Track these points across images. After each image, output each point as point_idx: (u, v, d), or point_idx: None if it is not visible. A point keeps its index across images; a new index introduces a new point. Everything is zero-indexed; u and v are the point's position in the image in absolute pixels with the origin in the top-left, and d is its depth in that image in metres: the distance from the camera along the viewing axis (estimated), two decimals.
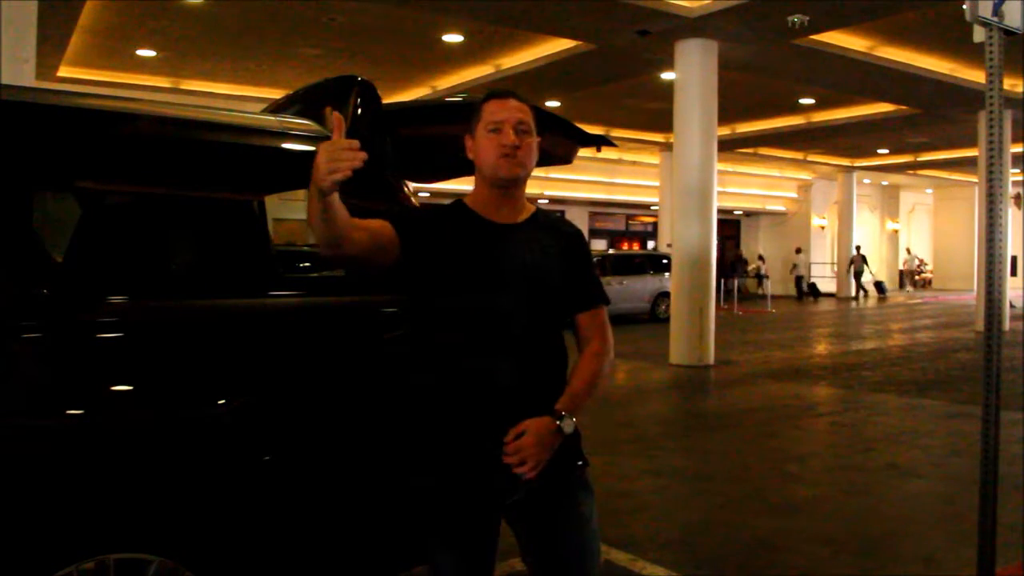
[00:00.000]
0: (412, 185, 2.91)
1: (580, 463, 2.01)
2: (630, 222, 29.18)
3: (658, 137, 19.02)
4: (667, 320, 16.17)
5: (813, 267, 27.99)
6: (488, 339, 1.90)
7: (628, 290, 16.65)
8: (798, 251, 26.54)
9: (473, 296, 1.90)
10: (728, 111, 13.36)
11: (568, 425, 1.90)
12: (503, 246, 1.93)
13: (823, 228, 28.60)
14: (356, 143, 1.64)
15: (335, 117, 1.70)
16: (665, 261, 17.28)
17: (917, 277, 32.52)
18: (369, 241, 1.82)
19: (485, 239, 1.93)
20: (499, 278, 1.91)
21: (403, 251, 1.89)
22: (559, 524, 1.96)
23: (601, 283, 2.11)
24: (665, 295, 16.82)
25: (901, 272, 30.39)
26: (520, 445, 1.82)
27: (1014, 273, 23.83)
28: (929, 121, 16.48)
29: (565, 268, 1.99)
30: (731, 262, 25.82)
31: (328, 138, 2.58)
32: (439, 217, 1.98)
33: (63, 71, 12.39)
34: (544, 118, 2.74)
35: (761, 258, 26.21)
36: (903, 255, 31.23)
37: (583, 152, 3.41)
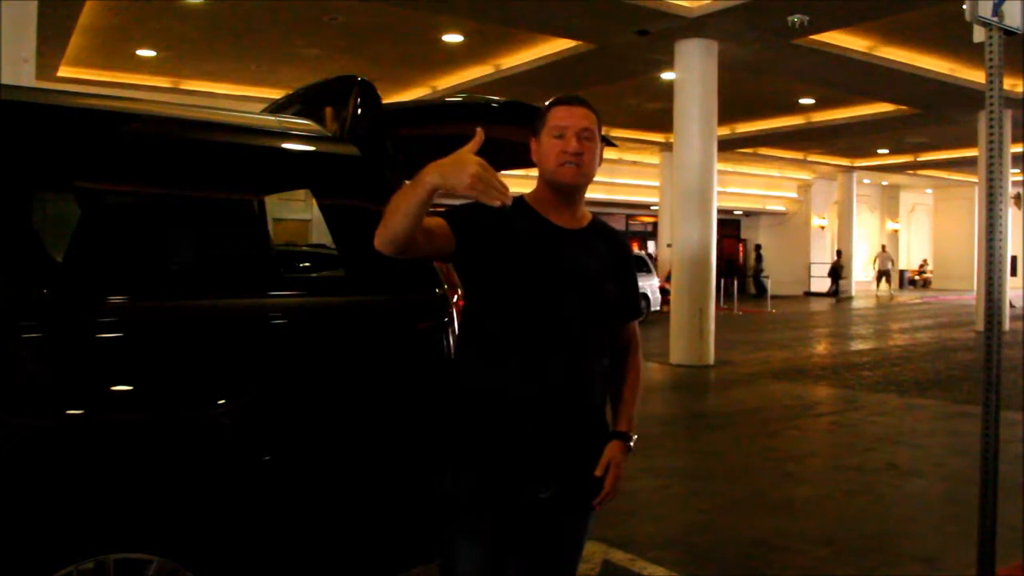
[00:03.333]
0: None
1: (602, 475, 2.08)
2: (630, 222, 29.17)
3: (658, 137, 19.01)
4: (643, 322, 16.00)
5: (813, 267, 28.02)
6: (543, 341, 1.93)
7: None
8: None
9: (533, 298, 1.93)
10: (728, 111, 13.34)
11: (634, 443, 2.10)
12: (565, 252, 1.98)
13: (823, 228, 28.60)
14: (508, 194, 1.71)
15: (479, 133, 1.74)
16: (644, 262, 17.03)
17: (918, 278, 32.38)
18: (425, 244, 1.84)
19: (549, 243, 1.97)
20: (560, 284, 1.95)
21: (460, 248, 1.91)
22: (565, 526, 2.02)
23: (639, 297, 2.18)
24: (643, 297, 16.71)
25: (895, 272, 28.58)
26: (613, 480, 2.00)
27: (1014, 273, 23.81)
28: (929, 121, 16.47)
29: (617, 279, 2.06)
30: (837, 265, 26.12)
31: (329, 139, 2.60)
32: (502, 210, 1.97)
33: (63, 71, 12.38)
34: None
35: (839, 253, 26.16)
36: (876, 251, 28.76)
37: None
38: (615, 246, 2.11)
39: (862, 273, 28.93)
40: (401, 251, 1.80)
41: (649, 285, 16.79)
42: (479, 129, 1.75)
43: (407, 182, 1.78)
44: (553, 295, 1.93)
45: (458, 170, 1.67)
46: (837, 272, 26.26)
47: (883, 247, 27.90)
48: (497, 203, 1.68)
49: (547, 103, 2.03)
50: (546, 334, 1.93)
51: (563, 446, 1.96)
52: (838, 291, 25.75)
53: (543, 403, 1.92)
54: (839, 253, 26.43)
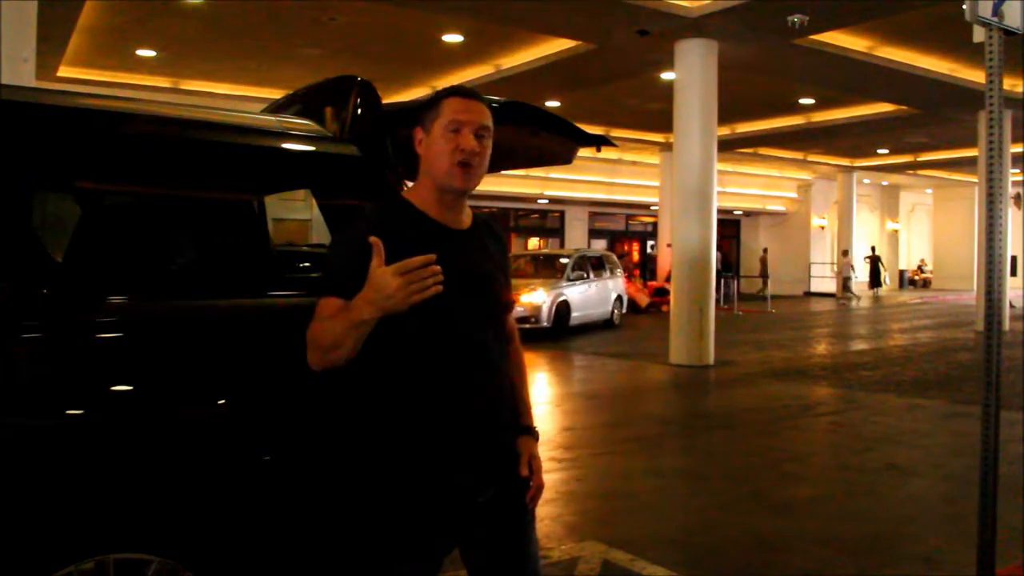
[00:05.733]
0: (412, 185, 2.90)
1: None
2: (630, 222, 29.18)
3: (658, 137, 19.03)
4: (617, 325, 15.85)
5: (813, 267, 28.02)
6: (458, 346, 1.87)
7: (597, 294, 15.39)
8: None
9: (439, 305, 1.77)
10: (728, 111, 13.35)
11: (537, 433, 2.09)
12: (462, 255, 1.88)
13: (823, 228, 28.60)
14: (431, 257, 1.67)
15: (376, 243, 1.69)
16: (611, 262, 16.64)
17: (918, 278, 32.31)
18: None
19: (444, 247, 1.81)
20: (462, 287, 1.83)
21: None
22: (508, 529, 1.98)
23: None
24: (620, 299, 16.41)
25: (844, 279, 25.56)
26: (540, 475, 1.99)
27: (1014, 273, 23.80)
28: (929, 121, 16.49)
29: (504, 274, 2.03)
30: (875, 258, 26.11)
31: (329, 139, 2.60)
32: (394, 223, 1.84)
33: (63, 71, 12.39)
34: (544, 118, 2.74)
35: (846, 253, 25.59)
36: (837, 256, 26.48)
37: (583, 152, 3.40)
38: (498, 241, 2.05)
39: (861, 274, 28.97)
40: (336, 365, 1.79)
41: (615, 285, 16.30)
42: (376, 241, 1.69)
43: (339, 317, 1.73)
44: (457, 299, 1.82)
45: (385, 295, 1.65)
46: (877, 267, 26.19)
47: (844, 252, 26.02)
48: (434, 291, 1.67)
49: (439, 93, 1.90)
50: (458, 339, 1.86)
51: (490, 448, 1.92)
52: (879, 284, 25.43)
53: (466, 408, 1.87)
54: (873, 248, 26.29)
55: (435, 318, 1.81)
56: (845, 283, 24.89)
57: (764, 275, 25.11)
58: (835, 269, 26.80)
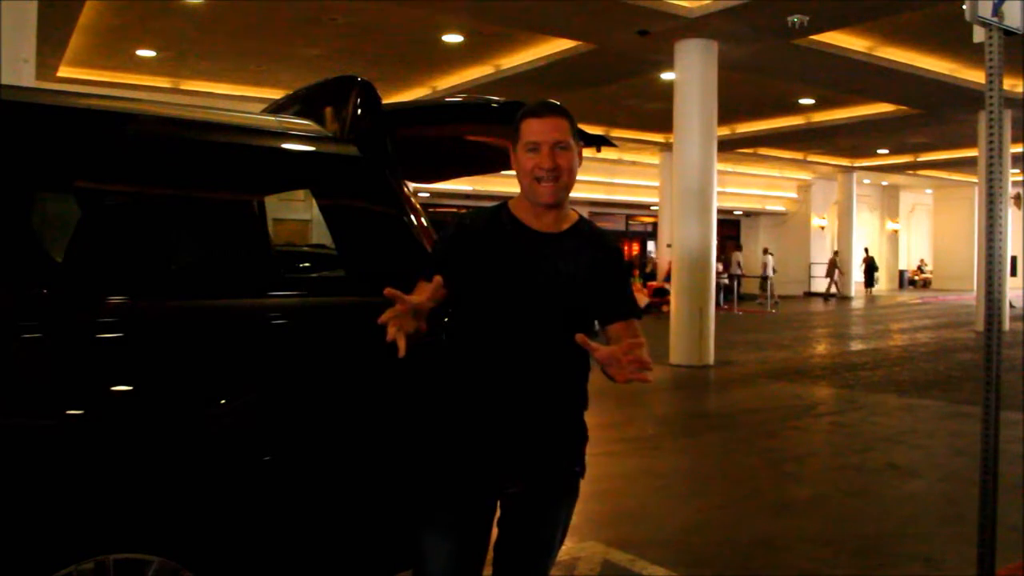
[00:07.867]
0: (412, 185, 2.91)
1: (577, 469, 2.12)
2: (630, 222, 29.16)
3: (658, 137, 19.02)
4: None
5: (813, 267, 28.02)
6: (512, 341, 1.97)
7: None
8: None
9: (500, 301, 1.97)
10: (728, 111, 13.35)
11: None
12: (538, 254, 1.99)
13: (823, 228, 28.60)
14: (401, 309, 1.81)
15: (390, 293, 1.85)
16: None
17: (918, 278, 32.36)
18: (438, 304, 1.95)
19: (522, 247, 1.99)
20: (527, 287, 1.97)
21: (444, 275, 1.95)
22: (535, 520, 2.06)
23: (635, 299, 2.16)
24: None
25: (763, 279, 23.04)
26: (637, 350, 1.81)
27: (1014, 273, 23.79)
28: (929, 121, 16.47)
29: (597, 280, 2.03)
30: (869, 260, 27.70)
31: (329, 139, 2.60)
32: (479, 224, 2.05)
33: (63, 71, 12.38)
34: None
35: (767, 251, 25.06)
36: (761, 258, 24.35)
37: (583, 152, 3.40)
38: (599, 248, 2.08)
39: (858, 273, 28.97)
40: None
41: None
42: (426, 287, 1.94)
43: None
44: (520, 298, 1.96)
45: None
46: (872, 268, 27.67)
47: (765, 250, 24.47)
48: (407, 328, 1.80)
49: (519, 113, 2.02)
50: (513, 336, 1.96)
51: (531, 445, 2.00)
52: (872, 284, 27.60)
53: (509, 403, 1.97)
54: (867, 250, 27.68)
55: (494, 307, 1.98)
56: (763, 283, 22.75)
57: (833, 276, 25.30)
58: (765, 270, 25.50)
